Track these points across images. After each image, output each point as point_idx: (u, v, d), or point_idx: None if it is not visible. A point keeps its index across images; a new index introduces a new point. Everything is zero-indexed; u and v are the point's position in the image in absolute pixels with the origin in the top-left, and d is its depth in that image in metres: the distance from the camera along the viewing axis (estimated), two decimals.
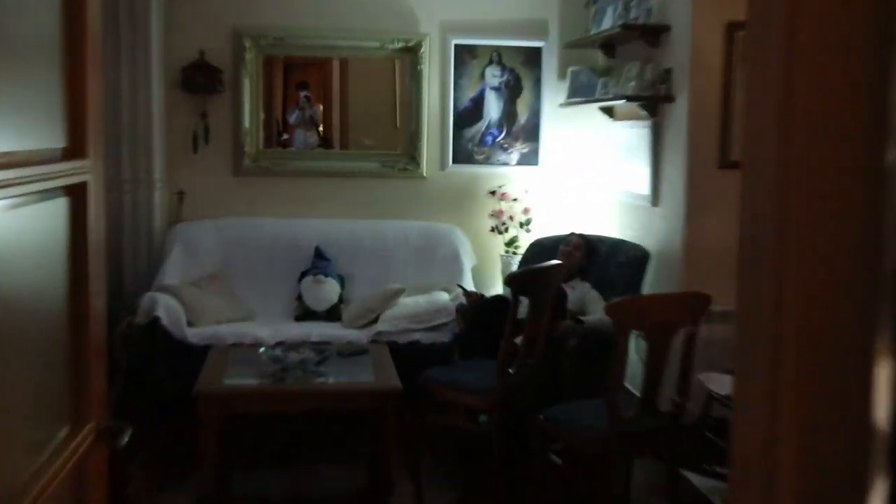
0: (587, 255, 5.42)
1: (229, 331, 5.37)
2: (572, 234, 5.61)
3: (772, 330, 1.04)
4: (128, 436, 1.95)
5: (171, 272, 5.75)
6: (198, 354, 5.03)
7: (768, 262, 1.06)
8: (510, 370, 4.35)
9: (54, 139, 1.75)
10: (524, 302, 4.37)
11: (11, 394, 1.62)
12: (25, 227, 1.66)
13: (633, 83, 5.38)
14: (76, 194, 1.83)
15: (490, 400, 4.31)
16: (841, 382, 1.04)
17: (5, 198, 1.51)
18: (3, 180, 1.46)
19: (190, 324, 5.37)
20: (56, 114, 1.76)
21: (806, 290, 1.02)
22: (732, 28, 4.90)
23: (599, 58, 6.28)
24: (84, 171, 1.83)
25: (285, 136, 6.63)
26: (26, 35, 1.62)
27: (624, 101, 5.39)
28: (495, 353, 4.44)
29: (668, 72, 5.19)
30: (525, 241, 6.07)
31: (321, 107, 6.80)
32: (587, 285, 5.25)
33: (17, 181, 1.53)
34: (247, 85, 6.18)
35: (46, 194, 1.70)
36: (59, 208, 1.79)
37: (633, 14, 5.37)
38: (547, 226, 6.25)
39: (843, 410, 1.04)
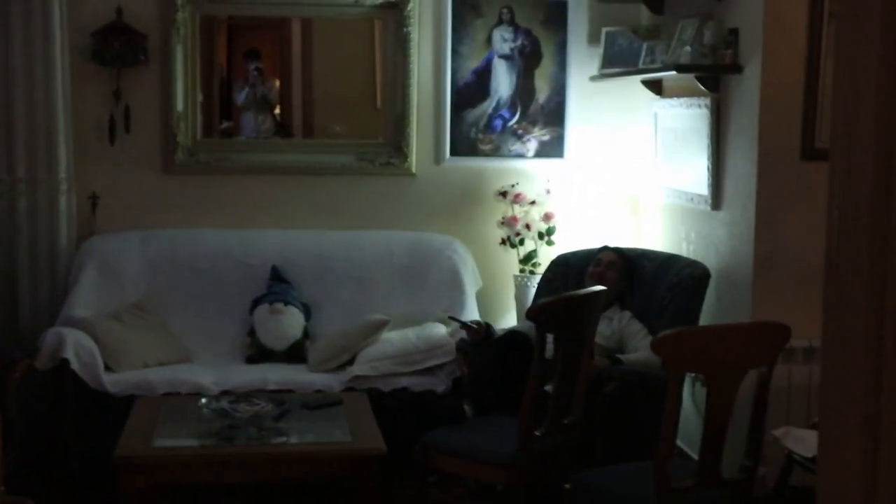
0: (626, 276, 5.43)
1: (160, 377, 5.37)
2: (604, 248, 5.60)
3: (869, 371, 1.03)
4: None
5: (83, 301, 5.75)
6: (118, 408, 5.04)
7: (863, 281, 1.05)
8: (537, 432, 4.29)
9: None
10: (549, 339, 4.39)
11: None
12: None
13: (687, 48, 5.38)
14: None
15: (511, 473, 4.28)
16: None
17: None
18: None
19: (108, 368, 5.37)
20: None
21: None
22: None
23: (644, 15, 6.30)
24: None
25: (226, 125, 6.65)
26: None
27: (675, 71, 5.39)
28: (512, 407, 4.46)
29: (733, 32, 5.20)
30: (546, 258, 6.07)
31: (277, 83, 6.82)
32: (627, 315, 5.30)
33: None
34: (179, 54, 6.17)
35: None
36: None
37: None
38: (574, 237, 6.24)
39: None
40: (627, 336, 5.21)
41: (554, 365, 4.38)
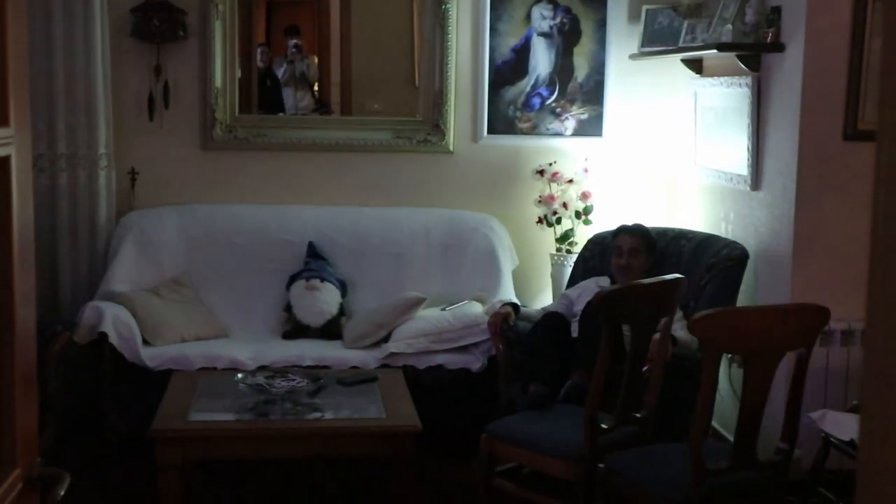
0: (651, 254, 5.40)
1: (197, 352, 5.41)
2: (620, 231, 5.50)
3: None
4: (65, 486, 1.98)
5: (122, 276, 5.80)
6: (156, 382, 5.08)
7: None
8: (604, 425, 4.19)
9: None
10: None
11: None
12: None
13: (728, 27, 5.34)
14: None
15: (576, 466, 4.17)
16: None
17: None
18: None
19: (146, 342, 5.42)
20: None
21: None
22: None
23: None
24: (5, 142, 1.84)
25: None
26: None
27: (716, 50, 5.36)
28: (557, 388, 4.48)
29: (776, 11, 5.16)
30: (582, 237, 6.06)
31: (316, 59, 6.82)
32: None
33: None
34: (218, 30, 6.19)
35: None
36: None
37: None
38: (612, 215, 6.22)
39: None
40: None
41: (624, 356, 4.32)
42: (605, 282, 5.32)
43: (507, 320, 5.20)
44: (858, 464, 1.18)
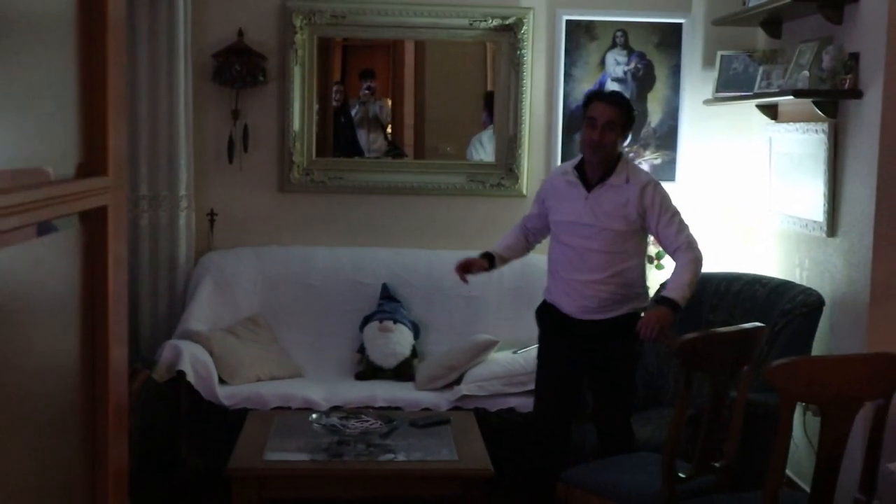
0: (628, 128, 4.84)
1: (272, 391, 5.44)
2: (594, 98, 4.87)
3: None
4: None
5: (199, 315, 5.85)
6: (232, 420, 5.14)
7: None
8: (681, 474, 4.08)
9: (66, 152, 1.79)
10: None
11: (8, 476, 1.68)
12: (38, 263, 1.73)
13: (805, 73, 5.33)
14: (93, 221, 1.87)
15: None
16: None
17: (20, 226, 1.56)
18: (18, 203, 1.50)
19: (222, 381, 5.46)
20: (72, 119, 1.80)
21: None
22: None
23: (760, 38, 6.28)
24: (103, 191, 1.87)
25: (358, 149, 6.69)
26: (27, 14, 1.61)
27: (792, 96, 5.33)
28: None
29: (854, 57, 5.13)
30: (656, 281, 6.02)
31: (389, 102, 6.86)
32: (644, 182, 4.86)
33: (36, 205, 1.59)
34: (297, 75, 6.27)
35: (62, 223, 1.75)
36: (72, 239, 1.82)
37: None
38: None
39: None
40: (658, 222, 4.72)
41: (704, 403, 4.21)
42: (569, 168, 4.87)
43: (470, 268, 4.91)
44: None
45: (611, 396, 4.79)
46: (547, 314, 4.86)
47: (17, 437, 1.64)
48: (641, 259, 4.81)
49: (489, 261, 4.93)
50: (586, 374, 4.84)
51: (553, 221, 4.83)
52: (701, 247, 4.71)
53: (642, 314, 4.60)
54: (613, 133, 4.62)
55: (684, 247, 4.62)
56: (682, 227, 4.67)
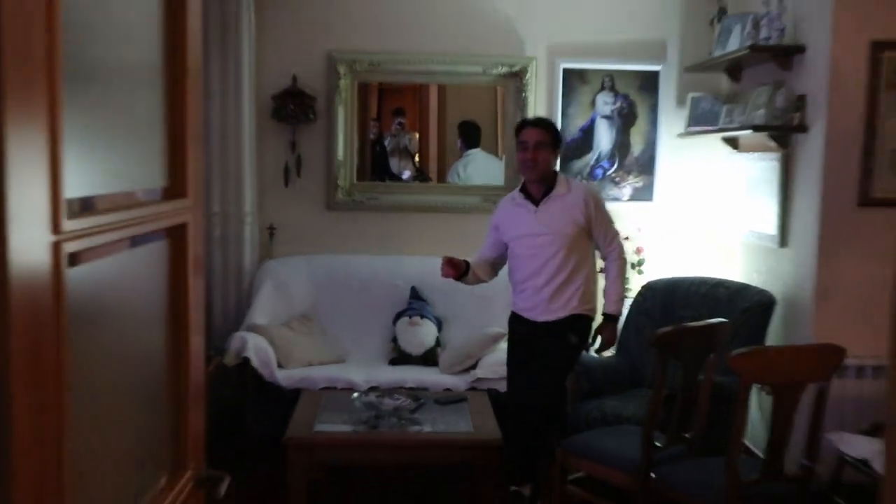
0: (557, 148, 4.68)
1: (321, 374, 5.46)
2: (524, 125, 4.66)
3: None
4: (226, 485, 2.00)
5: (261, 311, 5.87)
6: (287, 398, 5.16)
7: None
8: (657, 443, 4.12)
9: (157, 178, 1.79)
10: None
11: (112, 440, 1.69)
12: (134, 270, 1.76)
13: (761, 111, 5.33)
14: (176, 236, 1.88)
15: (633, 477, 4.12)
16: None
17: (120, 240, 1.60)
18: (117, 221, 1.52)
19: (280, 365, 5.48)
20: (159, 151, 1.80)
21: None
22: (877, 48, 4.78)
23: (723, 83, 6.26)
24: (184, 211, 1.88)
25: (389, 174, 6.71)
26: (124, 63, 1.63)
27: (751, 130, 5.33)
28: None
29: (801, 98, 5.14)
30: (636, 284, 6.04)
31: (417, 135, 6.87)
32: (584, 191, 4.70)
33: (131, 223, 1.62)
34: (340, 113, 6.28)
35: (151, 236, 1.75)
36: (161, 250, 1.83)
37: (763, 34, 5.30)
38: (661, 267, 6.19)
39: None
40: (595, 229, 4.56)
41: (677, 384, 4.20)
42: (516, 193, 4.68)
43: (452, 262, 4.57)
44: (886, 472, 1.19)
45: (542, 380, 4.53)
46: (514, 322, 4.73)
47: (122, 408, 1.68)
48: (591, 268, 4.62)
49: (466, 268, 4.64)
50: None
51: (510, 239, 4.61)
52: (631, 254, 4.85)
53: (597, 331, 4.65)
54: (545, 151, 4.45)
55: (615, 254, 4.56)
56: (613, 234, 4.58)
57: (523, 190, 4.62)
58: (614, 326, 4.60)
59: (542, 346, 4.54)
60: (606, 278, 4.70)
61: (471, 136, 6.69)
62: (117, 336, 1.64)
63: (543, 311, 4.52)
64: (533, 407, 4.54)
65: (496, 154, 6.64)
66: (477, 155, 6.69)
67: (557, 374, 4.54)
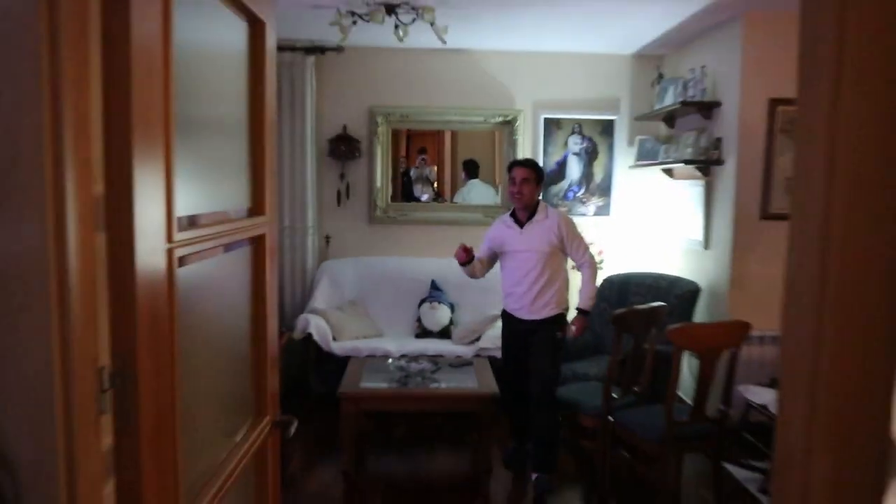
0: (539, 183, 4.40)
1: (364, 345, 5.44)
2: (513, 164, 4.42)
3: (811, 353, 1.06)
4: (294, 427, 2.03)
5: (320, 299, 5.87)
6: (340, 363, 5.16)
7: (810, 298, 1.07)
8: (614, 394, 4.13)
9: (244, 200, 1.83)
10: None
11: (219, 395, 1.74)
12: (227, 268, 1.79)
13: (689, 149, 5.34)
14: (258, 244, 1.91)
15: (595, 419, 4.19)
16: (868, 398, 1.07)
17: (216, 247, 1.64)
18: (214, 233, 1.56)
19: (334, 339, 5.48)
20: (245, 181, 1.84)
21: (841, 322, 1.04)
22: (774, 103, 4.80)
23: (662, 128, 6.25)
24: (263, 225, 1.90)
25: (414, 196, 6.72)
26: (220, 118, 1.67)
27: (682, 164, 5.34)
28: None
29: (718, 140, 5.14)
30: (599, 279, 6.00)
31: (436, 168, 6.88)
32: (558, 218, 4.44)
33: (224, 234, 1.64)
34: (379, 152, 6.26)
35: (239, 244, 1.79)
36: (246, 254, 1.86)
37: (690, 93, 5.33)
38: (617, 265, 6.21)
39: (869, 420, 1.07)
40: (570, 245, 4.32)
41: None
42: (507, 217, 4.48)
43: (469, 252, 4.38)
44: (778, 413, 1.20)
45: (537, 368, 4.30)
46: (506, 318, 4.50)
47: (218, 369, 1.71)
48: (564, 277, 4.36)
49: (471, 258, 4.41)
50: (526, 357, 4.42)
51: (501, 253, 4.43)
52: (595, 257, 4.48)
53: (571, 323, 4.33)
54: (530, 185, 4.27)
55: (587, 263, 4.32)
56: (585, 247, 4.34)
57: (513, 215, 4.44)
58: (585, 319, 4.33)
59: (531, 340, 4.32)
60: (581, 281, 4.43)
61: (471, 169, 6.68)
62: (214, 316, 1.67)
63: (528, 311, 4.32)
64: (528, 394, 4.35)
65: (493, 183, 6.63)
66: (476, 183, 6.67)
67: (549, 363, 4.29)
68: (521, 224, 4.39)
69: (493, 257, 4.54)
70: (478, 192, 6.64)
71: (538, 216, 4.35)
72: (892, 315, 1.05)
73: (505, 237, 4.42)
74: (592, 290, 4.34)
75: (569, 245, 4.32)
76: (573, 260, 4.40)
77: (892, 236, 1.06)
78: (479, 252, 4.59)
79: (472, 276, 4.53)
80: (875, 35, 1.04)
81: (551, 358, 4.28)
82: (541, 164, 6.23)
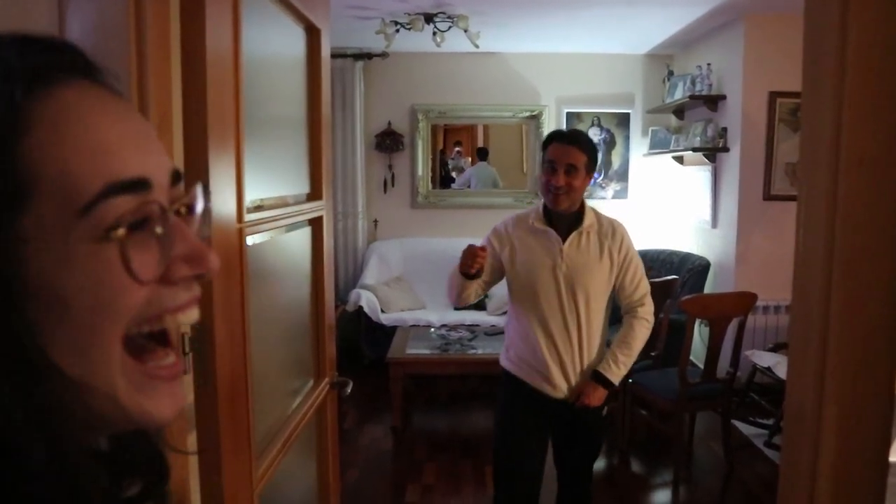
0: (592, 171, 2.43)
1: (409, 316, 5.46)
2: (552, 139, 2.39)
3: (820, 320, 1.04)
4: (350, 388, 2.05)
5: (370, 275, 5.88)
6: (388, 332, 5.19)
7: (818, 269, 1.05)
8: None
9: (303, 187, 1.85)
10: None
11: (284, 359, 1.75)
12: (289, 246, 1.81)
13: (697, 138, 5.27)
14: (316, 225, 1.92)
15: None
16: (873, 355, 1.04)
17: (280, 227, 1.65)
18: (278, 215, 1.57)
19: (382, 311, 5.50)
20: (304, 170, 1.85)
21: (847, 290, 1.02)
22: (774, 96, 4.72)
23: (672, 120, 6.16)
24: (320, 208, 1.91)
25: (451, 183, 6.71)
26: (282, 117, 1.70)
27: (691, 151, 5.27)
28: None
29: (724, 129, 5.06)
30: None
31: (469, 159, 6.88)
32: (622, 238, 2.61)
33: (287, 216, 1.66)
34: (420, 145, 6.25)
35: (299, 224, 1.80)
36: (306, 234, 1.88)
37: (698, 87, 5.25)
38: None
39: (874, 374, 1.04)
40: (627, 276, 2.47)
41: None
42: (531, 215, 2.47)
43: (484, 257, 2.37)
44: (789, 369, 1.17)
45: (582, 454, 2.60)
46: (512, 384, 2.68)
47: (283, 335, 1.72)
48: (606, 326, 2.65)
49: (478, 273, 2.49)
50: None
51: (517, 278, 2.49)
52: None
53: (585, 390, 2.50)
54: (579, 177, 2.37)
55: (642, 311, 2.51)
56: (646, 286, 2.52)
57: (546, 214, 2.42)
58: (607, 390, 2.45)
59: (562, 425, 2.54)
60: (621, 334, 2.51)
61: (482, 156, 6.60)
62: (278, 289, 1.69)
63: (568, 386, 2.49)
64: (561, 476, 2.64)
65: (521, 169, 6.59)
66: (482, 166, 6.56)
67: (598, 445, 2.62)
68: (559, 232, 2.40)
69: (494, 277, 2.53)
70: (483, 173, 6.54)
71: (586, 222, 2.42)
72: (894, 280, 1.02)
73: (529, 253, 2.41)
74: (635, 354, 2.46)
75: (626, 275, 2.45)
76: (621, 299, 2.51)
77: (894, 210, 1.03)
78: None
79: (459, 298, 2.51)
80: (876, 23, 1.00)
81: (599, 439, 2.56)
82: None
